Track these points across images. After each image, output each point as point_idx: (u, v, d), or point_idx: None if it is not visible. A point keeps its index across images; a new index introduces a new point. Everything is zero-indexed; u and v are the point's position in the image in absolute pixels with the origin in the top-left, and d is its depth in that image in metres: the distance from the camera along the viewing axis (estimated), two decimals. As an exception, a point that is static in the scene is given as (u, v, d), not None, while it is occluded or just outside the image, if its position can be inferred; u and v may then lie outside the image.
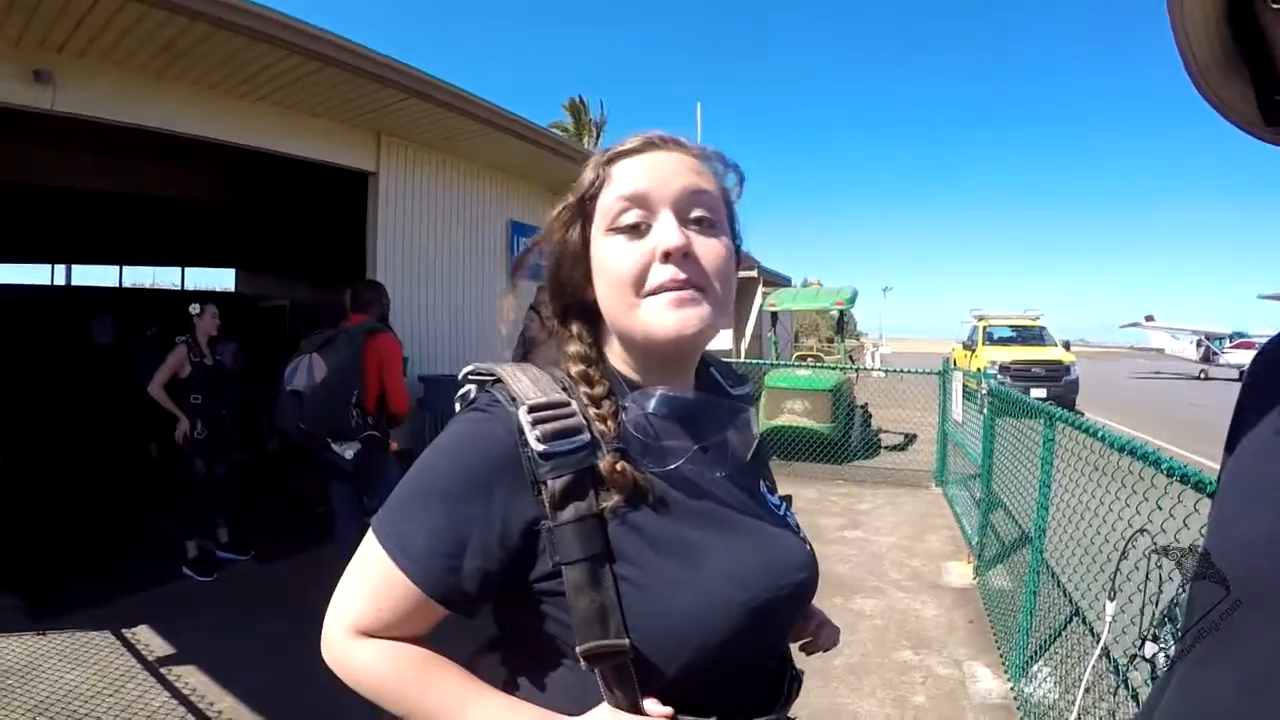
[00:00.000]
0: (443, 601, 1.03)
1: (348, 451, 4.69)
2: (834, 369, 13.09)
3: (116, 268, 18.07)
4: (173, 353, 5.97)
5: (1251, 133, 0.76)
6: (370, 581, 1.06)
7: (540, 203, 10.56)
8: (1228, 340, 37.56)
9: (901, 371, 12.40)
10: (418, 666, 1.05)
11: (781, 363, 13.97)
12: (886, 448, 13.24)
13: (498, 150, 8.81)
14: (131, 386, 6.65)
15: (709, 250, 1.09)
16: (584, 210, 1.13)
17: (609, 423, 1.06)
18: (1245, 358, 35.61)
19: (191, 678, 4.29)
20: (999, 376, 11.00)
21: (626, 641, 0.98)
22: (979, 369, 12.04)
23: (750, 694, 1.14)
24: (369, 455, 4.76)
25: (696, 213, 1.10)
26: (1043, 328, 23.72)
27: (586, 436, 1.04)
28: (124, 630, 4.81)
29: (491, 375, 1.13)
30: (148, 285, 19.56)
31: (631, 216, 1.08)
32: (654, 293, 1.06)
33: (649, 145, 1.14)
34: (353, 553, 1.10)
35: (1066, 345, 23.01)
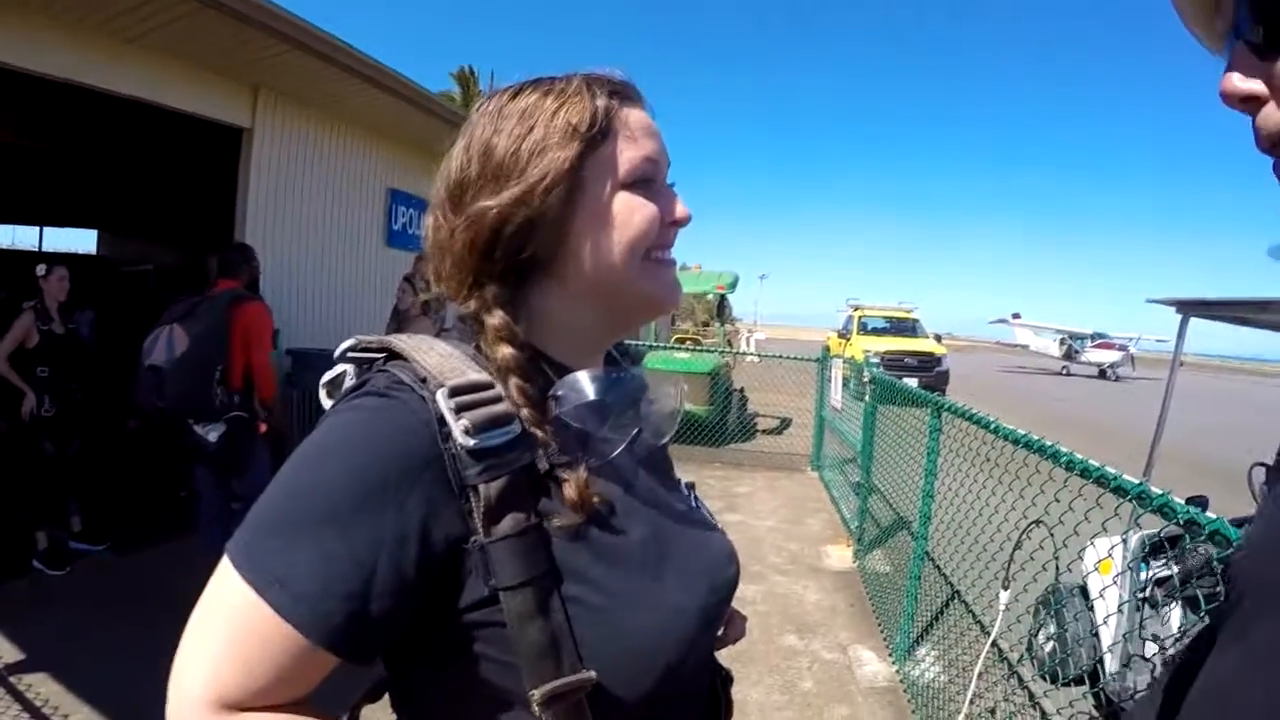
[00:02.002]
0: (343, 653, 0.78)
1: (211, 434, 4.28)
2: (713, 352, 13.15)
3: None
4: (17, 320, 5.43)
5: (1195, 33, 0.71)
6: (235, 634, 0.77)
7: (422, 172, 10.20)
8: (1089, 340, 39.67)
9: (780, 357, 12.54)
10: None
11: (660, 345, 13.98)
12: (762, 431, 13.41)
13: (382, 112, 8.43)
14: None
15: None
16: (588, 153, 0.93)
17: (545, 428, 0.88)
18: (1105, 357, 37.64)
19: (43, 686, 3.90)
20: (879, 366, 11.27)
21: (593, 674, 0.82)
22: (851, 357, 12.32)
23: (697, 705, 1.05)
24: (235, 437, 4.38)
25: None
26: (916, 320, 24.68)
27: (518, 427, 0.85)
28: (-33, 634, 4.36)
29: (384, 351, 0.92)
30: (4, 246, 18.12)
31: (647, 179, 0.97)
32: (651, 254, 0.98)
33: (637, 94, 1.02)
34: (218, 545, 0.84)
35: (938, 338, 24.04)
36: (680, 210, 1.01)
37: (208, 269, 5.19)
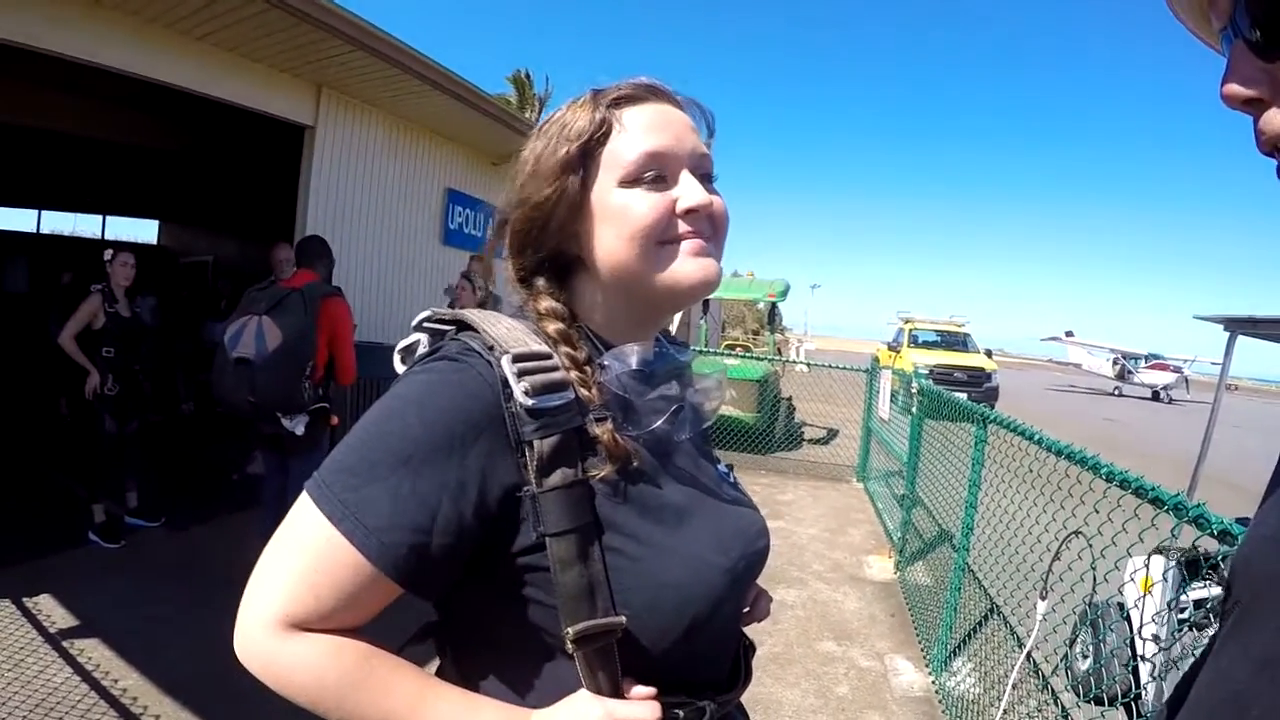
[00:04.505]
0: (406, 583, 0.88)
1: (298, 426, 4.30)
2: (762, 359, 13.13)
3: (34, 211, 17.31)
4: (86, 301, 5.60)
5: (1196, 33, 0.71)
6: (308, 561, 0.87)
7: (479, 172, 10.40)
8: (1143, 360, 38.74)
9: (829, 366, 12.47)
10: (364, 665, 0.88)
11: (710, 350, 13.99)
12: (809, 441, 13.35)
13: (442, 114, 8.58)
14: (43, 337, 6.33)
15: (719, 208, 1.07)
16: (587, 156, 1.02)
17: (592, 388, 0.97)
18: (1159, 378, 36.68)
19: (95, 652, 4.03)
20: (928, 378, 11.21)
21: (623, 619, 0.90)
22: (901, 369, 12.21)
23: (720, 668, 1.11)
24: (314, 427, 4.42)
25: (702, 173, 1.07)
26: (967, 334, 24.41)
27: (571, 394, 0.94)
28: (24, 599, 4.50)
29: (455, 322, 1.03)
30: (67, 232, 18.54)
31: (652, 173, 1.02)
32: (670, 243, 1.03)
33: (650, 93, 1.07)
34: (273, 526, 0.93)
35: (989, 353, 23.78)
36: (689, 199, 1.02)
37: (273, 260, 5.27)
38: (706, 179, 1.08)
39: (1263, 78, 0.59)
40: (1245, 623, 0.66)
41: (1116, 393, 39.24)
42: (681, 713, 0.97)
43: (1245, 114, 0.62)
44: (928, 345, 23.61)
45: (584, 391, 0.96)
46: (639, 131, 1.03)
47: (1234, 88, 0.61)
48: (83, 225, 19.16)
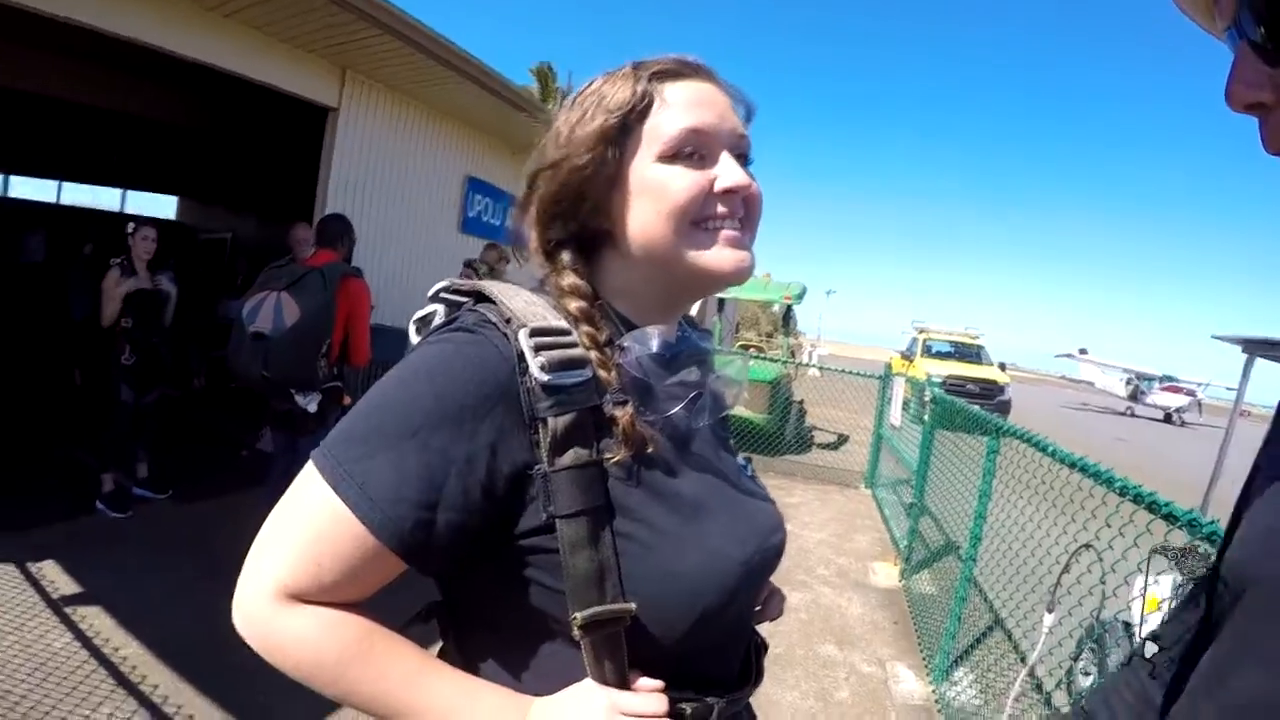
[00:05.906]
0: (408, 557, 0.86)
1: (311, 404, 4.33)
2: (775, 361, 13.08)
3: (55, 183, 17.35)
4: (106, 276, 5.61)
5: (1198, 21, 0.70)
6: (311, 531, 0.86)
7: (500, 162, 10.43)
8: (1157, 382, 38.44)
9: (843, 372, 12.40)
10: (363, 641, 0.87)
11: (724, 350, 13.94)
12: (819, 445, 13.30)
13: (466, 101, 8.58)
14: (60, 307, 6.31)
15: (756, 192, 1.04)
16: (627, 129, 0.99)
17: (611, 370, 0.94)
18: (1172, 400, 36.43)
19: (97, 620, 4.03)
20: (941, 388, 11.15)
21: (633, 605, 0.88)
22: (913, 377, 12.13)
23: (730, 665, 1.08)
24: (326, 405, 4.42)
25: (739, 154, 1.05)
26: (981, 347, 24.35)
27: (589, 372, 0.91)
28: (29, 564, 4.50)
29: (473, 294, 1.00)
30: (86, 204, 18.58)
31: (692, 149, 0.99)
32: (705, 225, 1.00)
33: (692, 70, 1.04)
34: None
35: (1002, 366, 23.73)
36: (728, 179, 1.00)
37: (291, 240, 5.27)
38: (743, 160, 1.05)
39: (1267, 82, 0.58)
40: (1251, 618, 0.65)
41: (1129, 413, 38.99)
42: (688, 708, 0.95)
43: (1250, 115, 0.61)
44: (941, 356, 23.61)
45: (603, 373, 0.93)
46: (681, 107, 1.00)
47: (1239, 91, 0.60)
48: (101, 198, 19.25)
